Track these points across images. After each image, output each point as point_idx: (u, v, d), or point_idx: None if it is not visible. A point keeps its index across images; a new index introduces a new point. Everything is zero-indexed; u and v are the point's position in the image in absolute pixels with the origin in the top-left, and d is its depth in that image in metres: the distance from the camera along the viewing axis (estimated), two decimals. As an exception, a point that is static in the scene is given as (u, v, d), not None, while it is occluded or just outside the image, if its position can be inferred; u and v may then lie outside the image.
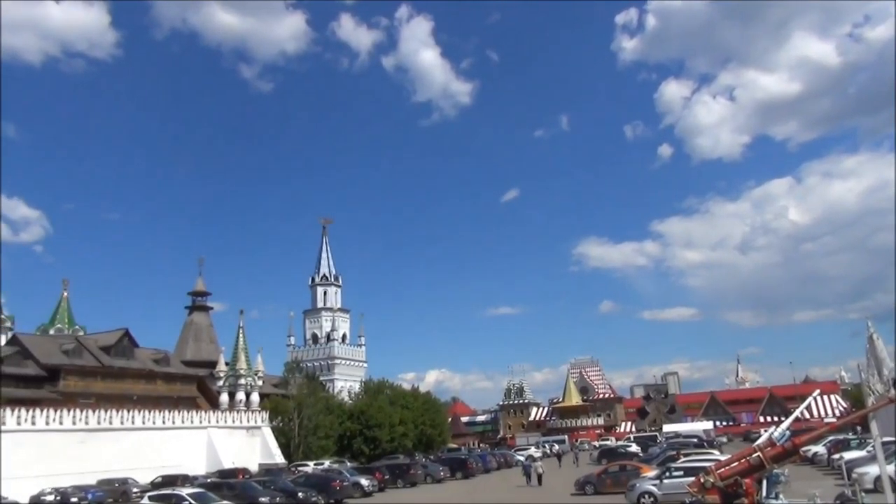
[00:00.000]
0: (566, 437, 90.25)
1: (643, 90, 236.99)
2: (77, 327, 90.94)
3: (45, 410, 44.11)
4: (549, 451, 70.21)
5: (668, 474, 24.83)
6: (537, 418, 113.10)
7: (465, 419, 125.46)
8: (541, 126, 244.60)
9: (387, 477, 40.04)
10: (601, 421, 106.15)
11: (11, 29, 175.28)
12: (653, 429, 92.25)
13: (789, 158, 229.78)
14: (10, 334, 75.42)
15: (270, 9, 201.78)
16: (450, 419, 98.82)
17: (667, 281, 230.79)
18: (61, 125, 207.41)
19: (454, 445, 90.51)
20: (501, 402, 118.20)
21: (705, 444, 51.82)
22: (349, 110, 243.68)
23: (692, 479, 17.59)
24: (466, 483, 42.53)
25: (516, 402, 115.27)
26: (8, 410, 41.55)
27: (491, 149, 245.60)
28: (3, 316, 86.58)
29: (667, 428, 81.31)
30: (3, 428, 40.31)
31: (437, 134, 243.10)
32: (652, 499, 24.13)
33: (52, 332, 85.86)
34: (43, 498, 36.01)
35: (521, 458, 57.45)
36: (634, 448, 54.84)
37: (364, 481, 36.71)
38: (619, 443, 67.94)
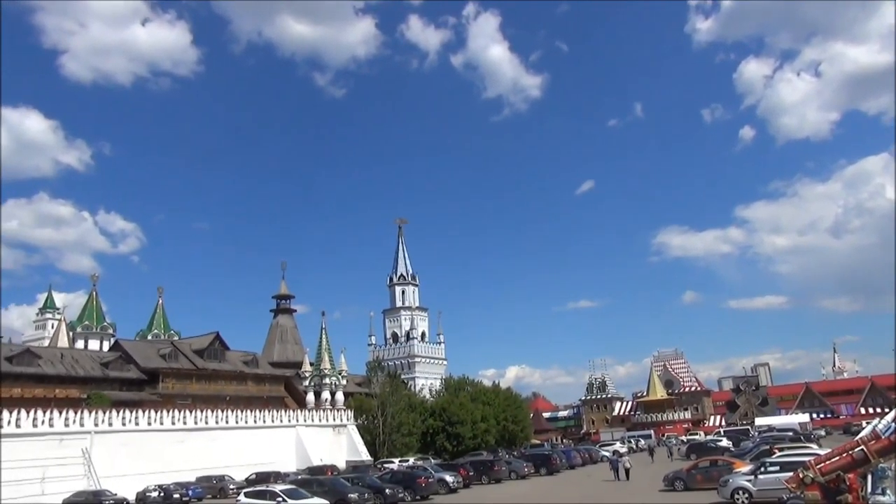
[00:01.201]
0: (652, 431, 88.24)
1: (721, 71, 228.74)
2: (172, 332, 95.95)
3: (146, 411, 46.55)
4: (634, 447, 68.87)
5: (763, 469, 23.86)
6: (621, 413, 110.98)
7: (546, 415, 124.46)
8: (614, 115, 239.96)
9: (471, 473, 40.14)
10: (688, 415, 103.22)
11: (103, 54, 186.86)
12: (744, 422, 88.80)
13: (884, 133, 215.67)
14: (112, 340, 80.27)
15: (340, 15, 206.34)
16: (531, 415, 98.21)
17: (754, 268, 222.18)
18: (151, 141, 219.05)
19: (537, 441, 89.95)
20: (584, 397, 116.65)
21: (802, 437, 49.55)
22: (420, 110, 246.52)
23: (790, 474, 16.89)
24: (551, 479, 42.18)
25: (599, 396, 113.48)
26: (114, 412, 44.10)
27: (564, 141, 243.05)
28: (105, 323, 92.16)
29: (759, 421, 78.17)
30: (110, 428, 42.79)
31: (508, 129, 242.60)
32: (747, 495, 23.25)
33: (150, 337, 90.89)
34: (148, 494, 38.00)
35: (606, 454, 56.66)
36: (725, 443, 52.98)
37: (449, 478, 36.92)
38: (709, 437, 65.80)
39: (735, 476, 25.01)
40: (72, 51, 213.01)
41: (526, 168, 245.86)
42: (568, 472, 46.64)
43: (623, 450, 58.35)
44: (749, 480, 23.67)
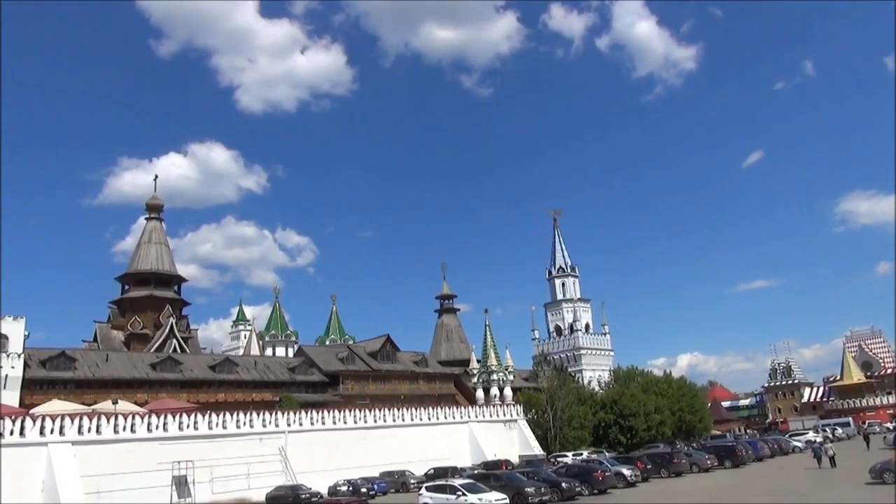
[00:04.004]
0: (850, 419, 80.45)
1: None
2: (347, 336, 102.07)
3: (330, 412, 49.77)
4: (831, 435, 63.29)
5: None
6: (811, 399, 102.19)
7: (725, 404, 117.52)
8: (781, 77, 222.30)
9: (649, 466, 38.87)
10: (892, 399, 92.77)
11: (271, 84, 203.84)
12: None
13: None
14: (296, 347, 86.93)
15: (482, 15, 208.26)
16: (709, 404, 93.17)
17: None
18: (317, 160, 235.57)
19: (717, 432, 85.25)
20: (767, 384, 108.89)
21: None
22: (568, 99, 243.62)
23: None
24: (737, 472, 39.66)
25: (784, 382, 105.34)
26: (303, 412, 47.68)
27: (725, 112, 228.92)
28: (289, 331, 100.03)
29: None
30: (301, 428, 46.30)
31: (663, 107, 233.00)
32: (975, 488, 20.60)
33: (327, 342, 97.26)
34: (339, 488, 40.67)
35: (798, 444, 52.86)
36: (942, 430, 47.13)
37: (626, 471, 36.03)
38: (921, 424, 58.87)
39: (959, 467, 22.23)
40: (244, 85, 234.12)
41: (685, 145, 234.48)
42: (755, 464, 43.72)
43: (818, 439, 53.85)
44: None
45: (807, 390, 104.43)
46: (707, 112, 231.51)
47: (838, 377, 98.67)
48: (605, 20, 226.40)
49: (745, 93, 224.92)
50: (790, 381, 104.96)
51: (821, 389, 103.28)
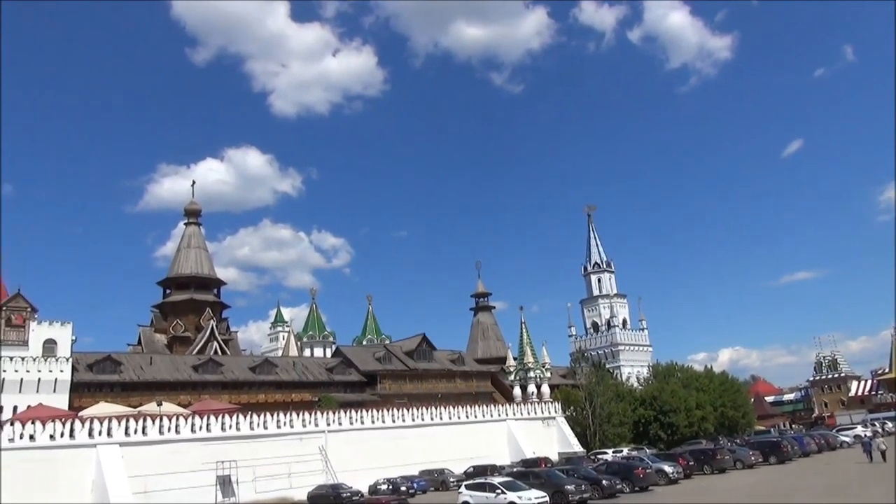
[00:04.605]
0: (901, 412, 78.19)
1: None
2: (383, 336, 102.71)
3: (369, 411, 50.11)
4: (880, 430, 61.52)
5: None
6: (859, 393, 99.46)
7: (769, 399, 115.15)
8: (820, 64, 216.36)
9: (691, 463, 38.34)
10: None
11: (304, 88, 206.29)
12: None
13: None
14: (333, 347, 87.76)
15: (512, 11, 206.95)
16: (752, 399, 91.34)
17: None
18: (350, 161, 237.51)
19: (761, 427, 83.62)
20: (812, 378, 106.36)
21: None
22: (600, 93, 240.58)
23: None
24: (783, 468, 38.87)
25: (830, 376, 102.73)
26: (342, 412, 48.09)
27: (763, 101, 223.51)
28: (326, 332, 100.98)
29: None
30: (340, 427, 46.71)
31: (698, 98, 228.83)
32: None
33: (364, 342, 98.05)
34: (378, 487, 40.99)
35: (846, 439, 51.60)
36: None
37: (668, 468, 35.58)
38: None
39: None
40: (277, 90, 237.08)
41: (722, 135, 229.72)
42: (801, 460, 42.79)
43: (867, 433, 52.46)
44: None
45: (854, 384, 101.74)
46: (744, 101, 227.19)
47: (887, 370, 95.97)
48: (637, 12, 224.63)
49: (784, 81, 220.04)
50: (836, 375, 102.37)
51: (869, 383, 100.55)
